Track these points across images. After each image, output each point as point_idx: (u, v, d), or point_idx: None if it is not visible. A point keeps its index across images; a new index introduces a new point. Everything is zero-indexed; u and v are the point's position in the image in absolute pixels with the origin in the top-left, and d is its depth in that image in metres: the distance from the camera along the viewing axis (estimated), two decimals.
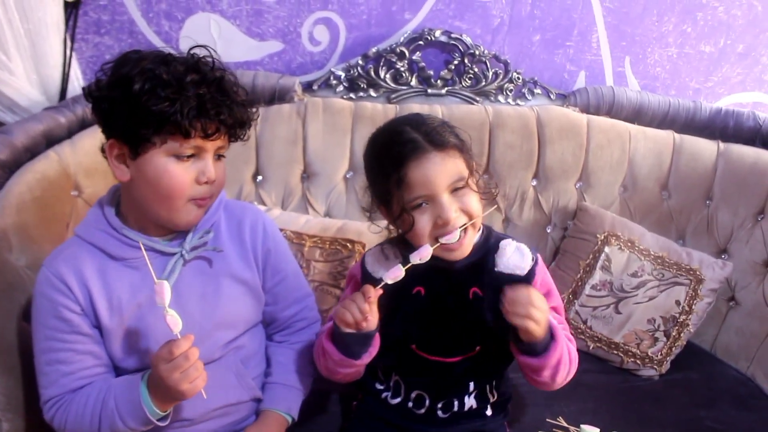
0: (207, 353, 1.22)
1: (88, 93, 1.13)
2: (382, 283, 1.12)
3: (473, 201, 1.14)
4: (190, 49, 1.17)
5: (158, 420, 1.13)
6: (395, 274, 1.12)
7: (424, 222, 1.13)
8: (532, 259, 1.24)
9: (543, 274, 1.27)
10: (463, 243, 1.16)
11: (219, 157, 1.18)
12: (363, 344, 1.17)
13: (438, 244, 1.13)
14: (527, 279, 1.23)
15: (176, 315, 1.08)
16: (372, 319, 1.12)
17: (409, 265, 1.12)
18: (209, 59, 1.14)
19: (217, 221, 1.28)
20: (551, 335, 1.14)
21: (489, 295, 1.22)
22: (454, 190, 1.13)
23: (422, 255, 1.12)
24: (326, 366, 1.23)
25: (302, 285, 1.42)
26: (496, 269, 1.23)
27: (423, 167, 1.10)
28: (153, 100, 1.06)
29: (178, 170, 1.11)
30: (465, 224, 1.14)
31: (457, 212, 1.12)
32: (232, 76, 1.16)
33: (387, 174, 1.13)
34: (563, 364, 1.17)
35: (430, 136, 1.13)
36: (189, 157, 1.12)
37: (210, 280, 1.24)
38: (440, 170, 1.11)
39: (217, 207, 1.27)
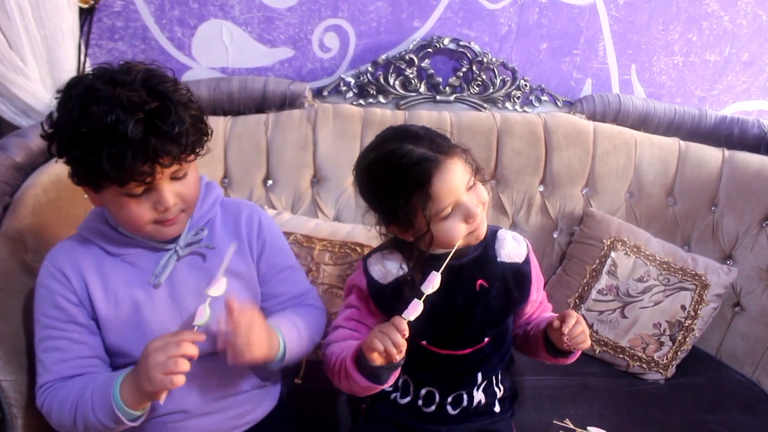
0: (208, 344, 1.23)
1: (42, 133, 1.13)
2: (407, 320, 1.09)
3: (483, 189, 1.20)
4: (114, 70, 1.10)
5: (128, 420, 1.10)
6: (415, 309, 1.10)
7: (455, 226, 1.17)
8: (526, 246, 1.35)
9: (534, 258, 1.37)
10: (483, 222, 1.20)
11: (179, 177, 1.15)
12: (392, 370, 1.15)
13: (443, 265, 1.14)
14: (526, 265, 1.32)
15: (208, 310, 1.12)
16: (403, 350, 1.10)
17: (425, 296, 1.11)
18: (139, 81, 1.08)
19: (212, 218, 1.30)
20: None
21: (495, 285, 1.29)
22: (469, 187, 1.17)
23: (432, 283, 1.12)
24: (350, 388, 1.21)
25: (301, 281, 1.41)
26: (498, 260, 1.30)
27: (446, 178, 1.13)
28: (77, 153, 1.06)
29: (132, 205, 1.12)
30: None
31: (478, 206, 1.16)
32: (175, 93, 1.10)
33: (409, 196, 1.14)
34: None
35: (434, 146, 1.15)
36: (141, 192, 1.11)
37: (204, 275, 1.26)
38: (458, 175, 1.15)
39: (213, 205, 1.30)
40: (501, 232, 1.34)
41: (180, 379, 1.05)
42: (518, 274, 1.32)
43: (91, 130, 1.03)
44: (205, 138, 1.18)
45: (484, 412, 1.37)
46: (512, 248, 1.32)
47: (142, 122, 1.04)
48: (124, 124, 1.02)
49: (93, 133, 1.03)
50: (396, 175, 1.14)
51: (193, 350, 1.07)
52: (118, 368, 1.21)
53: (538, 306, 1.42)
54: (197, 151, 1.16)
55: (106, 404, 1.09)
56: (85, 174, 1.08)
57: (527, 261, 1.34)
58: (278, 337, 1.21)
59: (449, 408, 1.34)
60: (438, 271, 1.13)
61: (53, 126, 1.10)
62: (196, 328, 1.12)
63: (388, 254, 1.29)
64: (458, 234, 1.17)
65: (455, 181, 1.14)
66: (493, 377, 1.37)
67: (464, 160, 1.18)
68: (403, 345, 1.07)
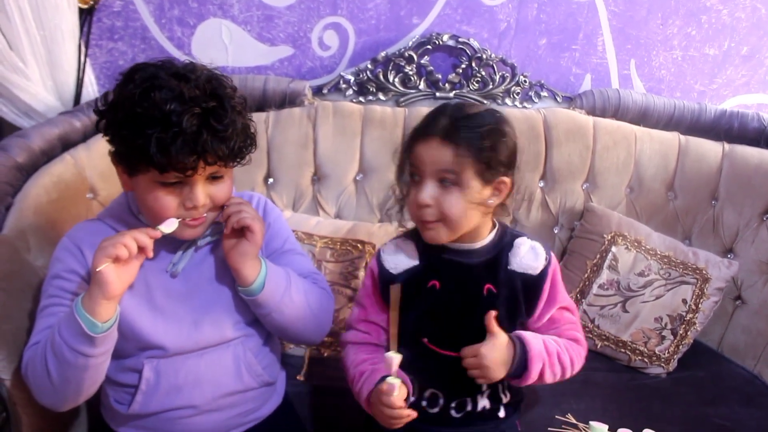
0: (219, 334, 1.26)
1: (95, 109, 1.15)
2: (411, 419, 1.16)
3: (452, 200, 1.16)
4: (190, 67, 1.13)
5: (90, 329, 1.07)
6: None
7: (412, 195, 1.19)
8: (546, 259, 1.26)
9: (554, 274, 1.29)
10: (439, 228, 1.19)
11: (217, 177, 1.16)
12: None
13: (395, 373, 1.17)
14: (539, 279, 1.26)
15: (176, 224, 1.13)
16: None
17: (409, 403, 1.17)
18: (202, 80, 1.11)
19: None
20: (524, 363, 1.19)
21: (503, 293, 1.25)
22: (441, 181, 1.16)
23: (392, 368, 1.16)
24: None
25: (303, 263, 1.40)
26: (509, 267, 1.25)
27: (422, 148, 1.17)
28: (126, 132, 1.07)
29: (162, 195, 1.12)
30: (434, 220, 1.18)
31: (432, 199, 1.16)
32: (233, 100, 1.13)
33: (409, 139, 1.21)
34: (548, 374, 1.23)
35: (452, 124, 1.15)
36: (175, 183, 1.11)
37: (218, 264, 1.27)
38: (431, 156, 1.15)
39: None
40: (519, 240, 1.28)
41: (119, 251, 1.06)
42: (528, 287, 1.26)
43: (146, 112, 1.04)
44: (252, 148, 1.20)
45: (489, 417, 1.34)
46: (527, 258, 1.25)
47: (197, 117, 1.06)
48: (180, 116, 1.04)
49: (147, 116, 1.04)
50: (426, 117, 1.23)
51: (144, 240, 1.09)
52: (121, 353, 1.21)
53: (547, 325, 1.32)
54: (242, 157, 1.18)
55: (69, 319, 1.08)
56: (128, 155, 1.09)
57: (543, 275, 1.26)
58: (261, 261, 1.24)
59: (453, 412, 1.32)
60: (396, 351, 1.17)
61: (108, 104, 1.12)
62: (159, 231, 1.12)
63: (402, 243, 1.29)
64: (412, 209, 1.20)
65: (424, 155, 1.16)
66: (499, 384, 1.33)
67: (464, 159, 1.14)
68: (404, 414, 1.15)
